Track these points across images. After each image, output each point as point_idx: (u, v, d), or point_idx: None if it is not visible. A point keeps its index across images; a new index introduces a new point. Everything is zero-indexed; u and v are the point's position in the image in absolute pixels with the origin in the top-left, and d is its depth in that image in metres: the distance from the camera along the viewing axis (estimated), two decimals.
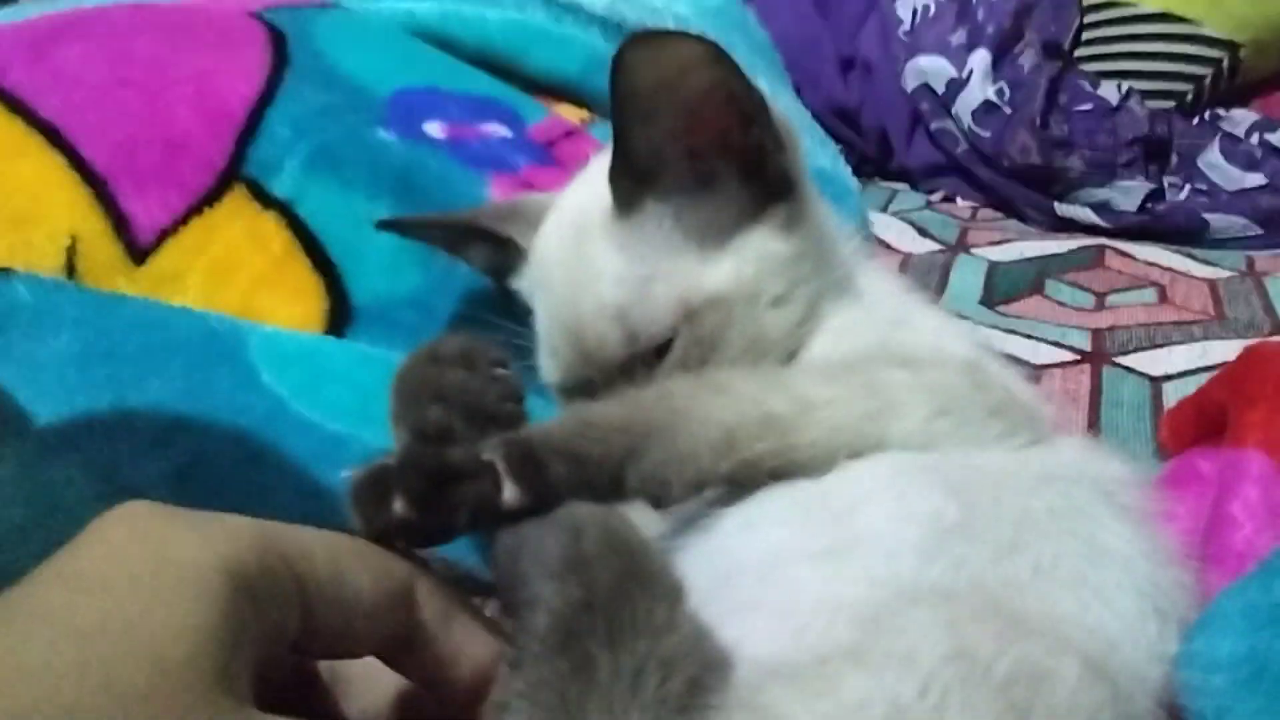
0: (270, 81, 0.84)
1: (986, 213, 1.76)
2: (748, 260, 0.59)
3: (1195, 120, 1.76)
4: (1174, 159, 1.69)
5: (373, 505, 0.42)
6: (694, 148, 0.58)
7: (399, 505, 0.42)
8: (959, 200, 1.81)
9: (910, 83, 1.82)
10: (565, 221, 0.64)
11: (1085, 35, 1.81)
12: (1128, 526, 0.50)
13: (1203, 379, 0.90)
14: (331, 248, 0.79)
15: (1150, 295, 1.32)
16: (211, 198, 0.77)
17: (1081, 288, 1.35)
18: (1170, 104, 1.76)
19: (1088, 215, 1.63)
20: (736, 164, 0.59)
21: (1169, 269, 1.43)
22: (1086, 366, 1.08)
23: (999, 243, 1.54)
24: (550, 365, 0.63)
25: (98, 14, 0.89)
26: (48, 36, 0.83)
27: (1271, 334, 1.18)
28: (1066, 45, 1.78)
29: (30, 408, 0.62)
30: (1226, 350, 1.03)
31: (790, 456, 0.49)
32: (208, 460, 0.63)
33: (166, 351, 0.66)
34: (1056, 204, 1.66)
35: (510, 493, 0.43)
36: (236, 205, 0.78)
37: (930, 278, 1.38)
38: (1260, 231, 1.58)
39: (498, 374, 0.49)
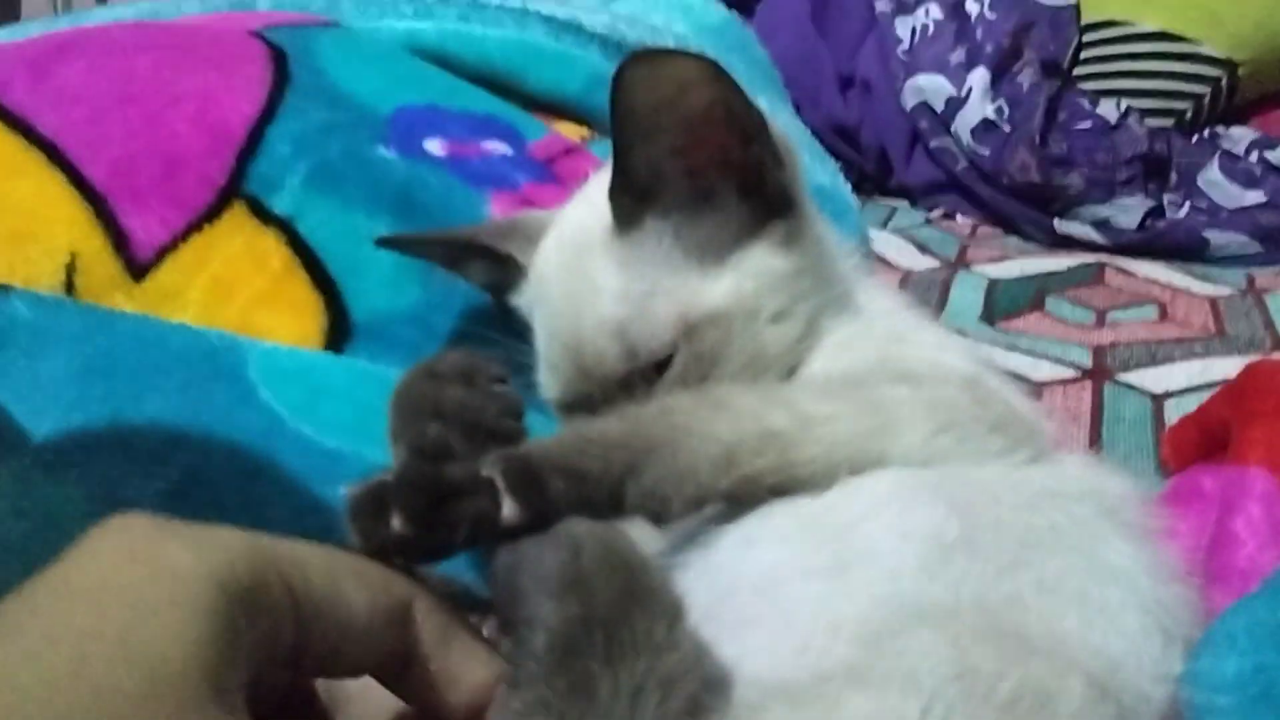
0: (271, 99, 0.84)
1: (986, 229, 1.76)
2: (747, 276, 0.59)
3: (1194, 138, 1.77)
4: (1173, 177, 1.69)
5: (370, 522, 0.42)
6: (694, 165, 0.58)
7: (397, 522, 0.41)
8: (959, 217, 1.81)
9: (909, 101, 1.83)
10: (565, 238, 0.64)
11: (1084, 54, 1.82)
12: (1131, 544, 0.49)
13: (1204, 396, 0.90)
14: (331, 265, 0.79)
15: (1151, 312, 1.32)
16: (211, 215, 0.77)
17: (1082, 304, 1.35)
18: (1169, 122, 1.77)
19: (1088, 232, 1.63)
20: (736, 181, 0.59)
21: (1169, 286, 1.43)
22: (1088, 383, 1.08)
23: (999, 260, 1.54)
24: (550, 381, 0.63)
25: (99, 33, 0.89)
26: (49, 55, 0.83)
27: (1273, 351, 1.18)
28: (1065, 64, 1.79)
29: (28, 424, 0.61)
30: (1227, 367, 1.03)
31: (791, 473, 0.49)
32: (205, 477, 0.63)
33: (164, 368, 0.66)
34: (1056, 221, 1.67)
35: (509, 509, 0.43)
36: (236, 222, 0.78)
37: (930, 294, 1.38)
38: (1260, 249, 1.59)
39: (497, 390, 0.49)
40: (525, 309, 0.68)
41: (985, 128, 1.73)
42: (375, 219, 0.80)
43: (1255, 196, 1.63)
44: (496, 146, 0.93)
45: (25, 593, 0.32)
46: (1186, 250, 1.59)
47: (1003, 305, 1.34)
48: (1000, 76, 1.75)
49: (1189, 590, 0.50)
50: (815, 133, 1.37)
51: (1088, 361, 1.13)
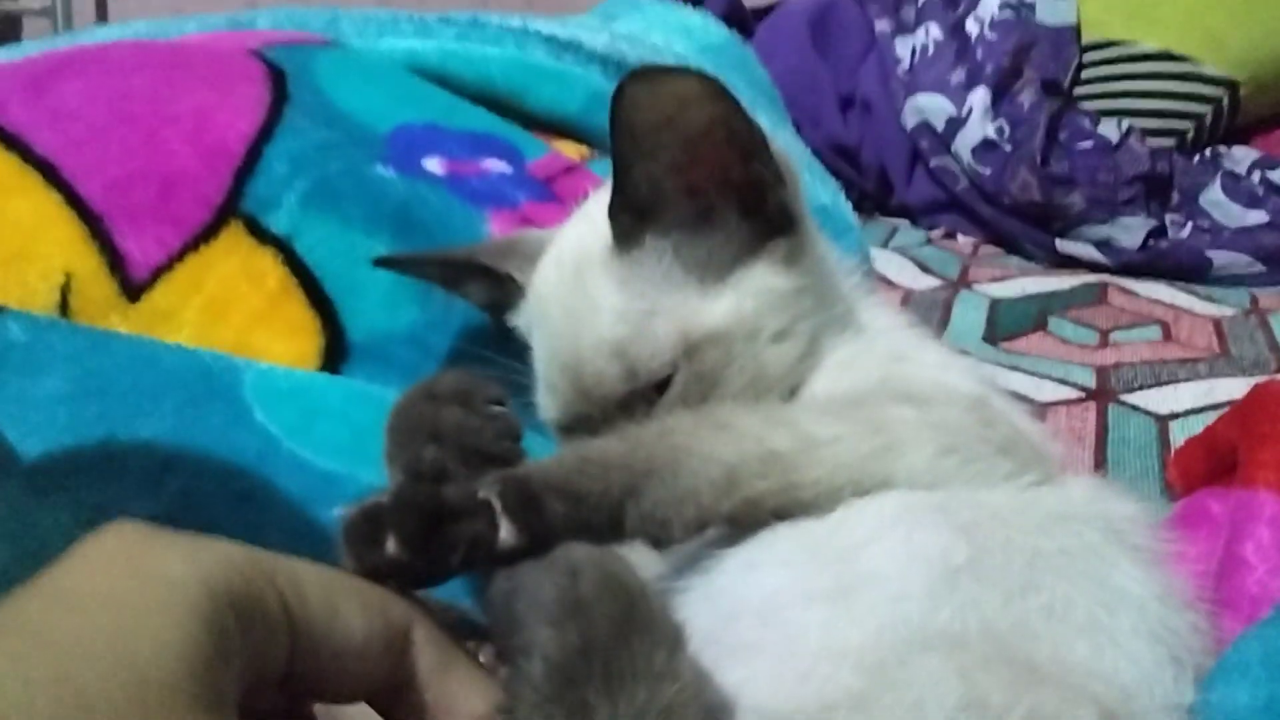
0: (269, 118, 0.83)
1: (987, 249, 1.76)
2: (748, 295, 0.58)
3: (1196, 158, 1.77)
4: (1175, 196, 1.69)
5: (365, 544, 0.41)
6: (694, 183, 0.58)
7: (392, 545, 0.41)
8: (960, 236, 1.81)
9: (910, 120, 1.84)
10: (564, 257, 0.63)
11: (1085, 74, 1.82)
12: (1141, 568, 0.48)
13: (1209, 417, 0.89)
14: (328, 284, 0.78)
15: (1154, 332, 1.32)
16: (208, 234, 0.77)
17: (1085, 325, 1.34)
18: (1171, 142, 1.77)
19: (1089, 252, 1.63)
20: (736, 199, 0.59)
21: (1172, 306, 1.43)
22: (1092, 404, 1.07)
23: (1000, 279, 1.54)
24: (549, 402, 0.62)
25: (98, 52, 0.89)
26: (47, 73, 0.83)
27: (1278, 371, 1.17)
28: (1066, 84, 1.79)
29: (20, 446, 0.61)
30: (1232, 388, 1.03)
31: (793, 495, 0.48)
32: (199, 499, 0.62)
33: (158, 389, 0.65)
34: (1057, 241, 1.66)
35: (507, 532, 0.42)
36: (233, 241, 0.77)
37: (932, 314, 1.37)
38: (1263, 269, 1.58)
39: (495, 412, 0.48)
40: (524, 329, 0.67)
41: (986, 147, 1.73)
42: (373, 238, 0.80)
43: (1258, 216, 1.63)
44: (496, 165, 0.93)
45: (14, 599, 0.32)
46: (1189, 270, 1.58)
47: (1005, 325, 1.33)
48: (1001, 96, 1.75)
49: (1199, 616, 0.49)
50: (816, 152, 1.37)
51: (1091, 382, 1.12)
